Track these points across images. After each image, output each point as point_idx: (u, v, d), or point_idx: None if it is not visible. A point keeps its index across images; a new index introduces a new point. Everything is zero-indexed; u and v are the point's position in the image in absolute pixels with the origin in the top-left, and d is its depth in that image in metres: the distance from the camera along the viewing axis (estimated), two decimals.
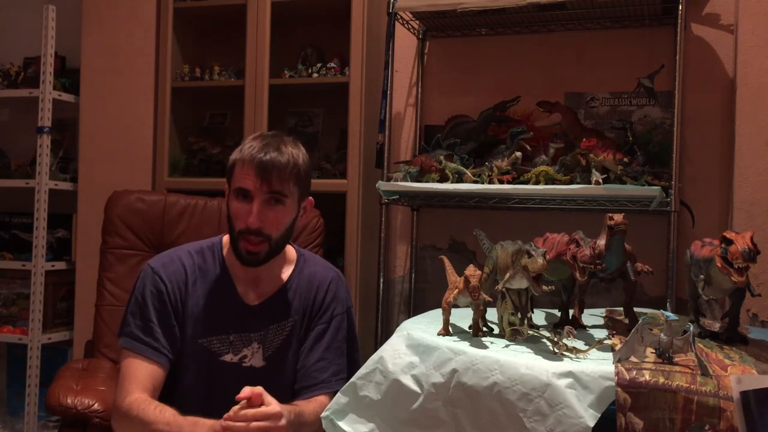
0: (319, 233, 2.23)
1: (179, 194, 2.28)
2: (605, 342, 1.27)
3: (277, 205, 1.55)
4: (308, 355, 1.64)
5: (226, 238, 1.69)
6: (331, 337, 1.66)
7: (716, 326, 1.43)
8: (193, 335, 1.60)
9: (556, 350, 1.21)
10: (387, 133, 2.36)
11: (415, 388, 1.24)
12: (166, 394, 1.57)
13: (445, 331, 1.38)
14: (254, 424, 1.33)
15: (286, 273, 1.69)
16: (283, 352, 1.64)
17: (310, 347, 1.65)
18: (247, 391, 1.36)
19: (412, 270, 2.63)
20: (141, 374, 1.52)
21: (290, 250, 1.73)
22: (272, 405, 1.37)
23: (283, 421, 1.36)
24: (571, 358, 1.19)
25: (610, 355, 1.20)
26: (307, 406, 1.54)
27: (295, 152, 1.57)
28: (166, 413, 1.44)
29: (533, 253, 1.22)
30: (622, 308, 1.56)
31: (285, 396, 1.56)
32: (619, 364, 1.11)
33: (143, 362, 1.54)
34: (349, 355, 1.70)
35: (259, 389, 1.37)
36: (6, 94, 3.02)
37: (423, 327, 1.42)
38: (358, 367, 1.37)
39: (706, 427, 1.02)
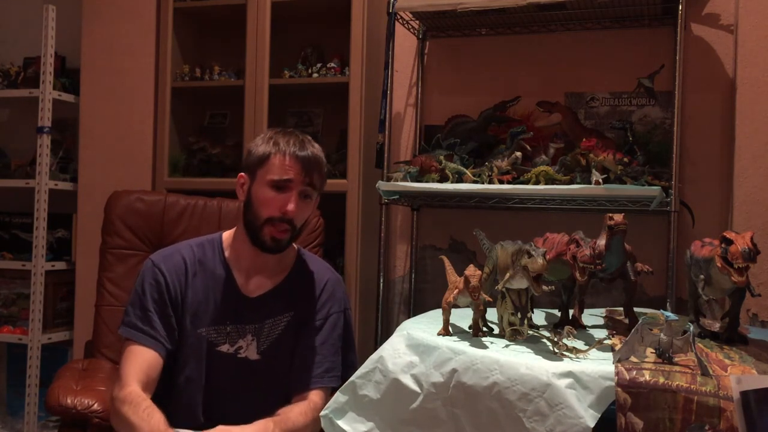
0: (319, 233, 2.23)
1: (179, 194, 2.28)
2: (605, 342, 1.27)
3: (306, 199, 1.63)
4: (303, 350, 1.66)
5: (226, 234, 1.73)
6: (326, 333, 1.68)
7: (716, 326, 1.43)
8: (192, 325, 1.63)
9: (556, 350, 1.21)
10: (387, 133, 2.36)
11: (415, 387, 1.24)
12: (166, 383, 1.60)
13: (445, 331, 1.38)
14: None
15: (286, 269, 1.72)
16: (278, 347, 1.66)
17: (304, 343, 1.67)
18: None
19: (412, 270, 2.63)
20: (139, 363, 1.55)
21: (290, 247, 1.74)
22: None
23: None
24: (571, 358, 1.18)
25: (610, 355, 1.20)
26: (292, 411, 1.56)
27: (320, 152, 1.66)
28: (152, 420, 1.43)
29: (533, 253, 1.22)
30: (622, 308, 1.56)
31: (280, 390, 1.62)
32: (619, 364, 1.11)
33: (142, 350, 1.57)
34: (345, 355, 1.72)
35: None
36: (6, 94, 3.02)
37: (423, 327, 1.42)
38: (354, 369, 1.37)
39: (706, 427, 1.02)
